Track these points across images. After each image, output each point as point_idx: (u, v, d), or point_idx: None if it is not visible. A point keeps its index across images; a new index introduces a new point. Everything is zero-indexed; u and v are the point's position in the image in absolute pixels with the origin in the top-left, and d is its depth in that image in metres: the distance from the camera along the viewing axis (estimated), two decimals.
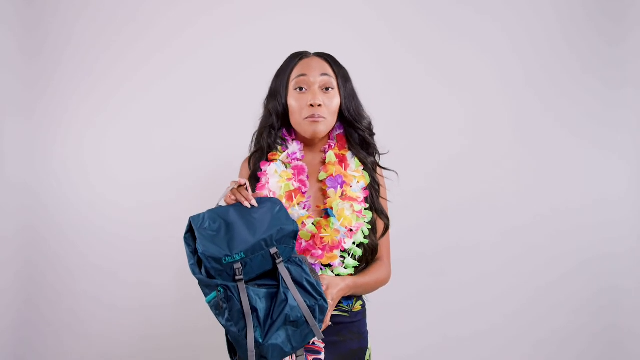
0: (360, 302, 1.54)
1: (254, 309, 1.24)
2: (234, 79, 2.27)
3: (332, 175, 1.50)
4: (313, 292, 1.28)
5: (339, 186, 1.49)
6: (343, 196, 1.48)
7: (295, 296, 1.26)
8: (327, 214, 1.47)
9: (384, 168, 1.59)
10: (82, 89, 2.29)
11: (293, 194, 1.47)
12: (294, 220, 1.30)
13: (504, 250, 2.34)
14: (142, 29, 2.28)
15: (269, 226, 1.28)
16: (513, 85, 2.33)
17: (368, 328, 1.56)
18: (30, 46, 2.27)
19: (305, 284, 1.28)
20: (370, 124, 1.56)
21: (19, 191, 2.26)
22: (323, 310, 1.29)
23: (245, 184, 1.36)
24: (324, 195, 1.51)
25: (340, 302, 1.49)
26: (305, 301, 1.26)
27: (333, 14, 2.29)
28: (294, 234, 1.30)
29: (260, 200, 1.33)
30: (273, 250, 1.27)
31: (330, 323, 1.45)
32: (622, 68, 2.33)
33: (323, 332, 1.45)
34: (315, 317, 1.27)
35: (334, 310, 1.48)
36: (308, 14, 2.29)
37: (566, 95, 2.33)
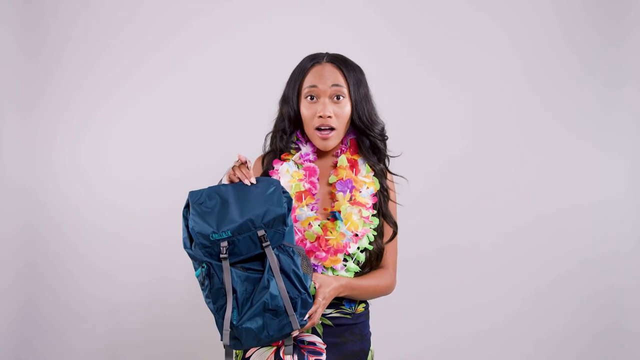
0: (363, 304, 1.56)
1: (233, 290, 1.25)
2: (235, 79, 2.28)
3: (342, 179, 1.52)
4: (298, 285, 1.28)
5: (348, 190, 1.51)
6: (352, 201, 1.50)
7: (279, 284, 1.26)
8: (334, 217, 1.48)
9: (393, 174, 1.60)
10: (82, 88, 2.31)
11: (303, 195, 1.50)
12: (285, 204, 1.30)
13: (504, 250, 2.36)
14: (143, 28, 2.30)
15: (257, 206, 1.27)
16: (513, 86, 2.36)
17: (370, 329, 1.58)
18: (30, 46, 2.28)
19: (292, 274, 1.28)
20: (383, 129, 1.57)
21: (19, 191, 2.27)
22: (305, 305, 1.29)
23: (246, 162, 1.37)
24: (333, 198, 1.53)
25: (342, 304, 1.50)
26: (288, 292, 1.26)
27: (333, 14, 2.32)
28: (283, 218, 1.28)
29: (259, 179, 1.35)
30: (260, 233, 1.25)
31: (319, 322, 1.45)
32: (622, 68, 2.35)
33: (325, 332, 1.47)
34: (295, 310, 1.27)
35: (337, 312, 1.49)
36: (308, 14, 2.31)
37: (566, 95, 2.36)
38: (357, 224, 1.48)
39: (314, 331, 1.48)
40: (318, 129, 1.49)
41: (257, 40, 2.28)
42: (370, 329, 1.59)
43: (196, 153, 2.28)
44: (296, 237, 1.45)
